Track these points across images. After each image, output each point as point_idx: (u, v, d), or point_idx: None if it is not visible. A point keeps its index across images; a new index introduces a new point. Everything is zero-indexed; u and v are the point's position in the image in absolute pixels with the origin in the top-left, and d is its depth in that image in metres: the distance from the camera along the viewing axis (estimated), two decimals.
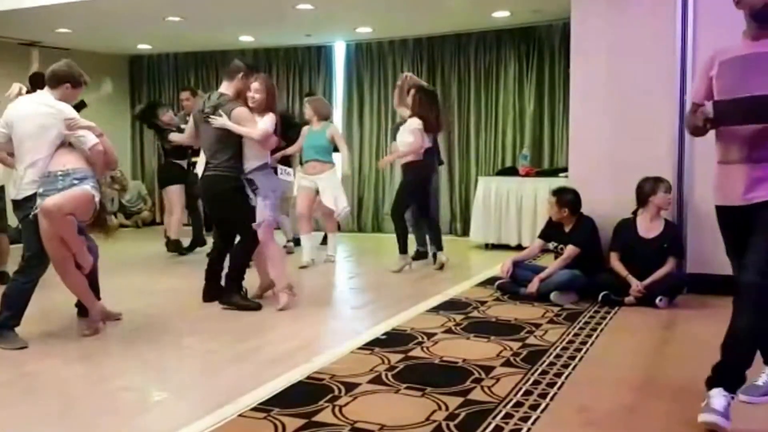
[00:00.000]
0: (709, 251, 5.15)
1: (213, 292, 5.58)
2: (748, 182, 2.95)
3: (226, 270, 5.56)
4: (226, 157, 5.34)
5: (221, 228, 5.69)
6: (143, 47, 10.91)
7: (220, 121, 5.27)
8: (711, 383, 3.04)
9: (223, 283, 5.54)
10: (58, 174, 4.40)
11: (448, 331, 4.70)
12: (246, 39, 10.11)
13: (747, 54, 2.96)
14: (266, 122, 5.31)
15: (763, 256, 2.91)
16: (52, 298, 5.11)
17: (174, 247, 8.06)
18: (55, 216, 4.25)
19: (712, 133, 3.08)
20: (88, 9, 7.77)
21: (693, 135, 3.16)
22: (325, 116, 7.44)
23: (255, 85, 5.41)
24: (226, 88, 5.48)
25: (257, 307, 5.41)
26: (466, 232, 9.11)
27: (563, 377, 3.72)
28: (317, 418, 3.19)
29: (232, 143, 5.34)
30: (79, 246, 4.46)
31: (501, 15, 8.50)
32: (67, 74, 4.62)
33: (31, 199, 4.39)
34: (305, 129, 7.37)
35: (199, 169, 5.62)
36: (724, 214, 3.10)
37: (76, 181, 4.40)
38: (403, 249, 7.00)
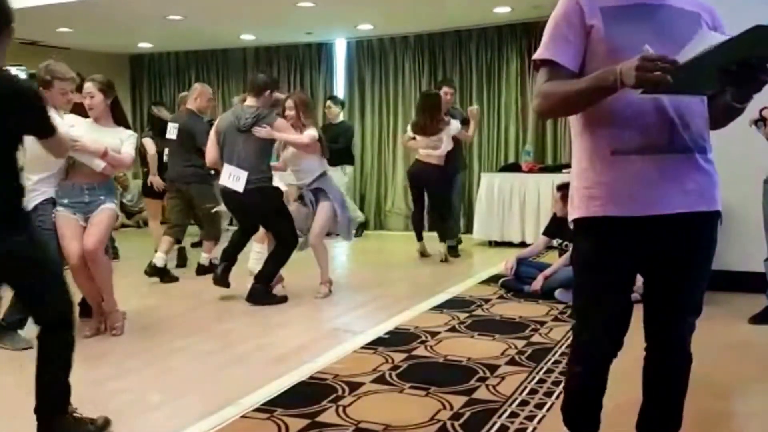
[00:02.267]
0: (721, 246, 5.12)
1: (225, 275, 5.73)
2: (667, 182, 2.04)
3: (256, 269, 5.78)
4: (265, 168, 5.53)
5: (247, 225, 5.87)
6: (144, 46, 10.90)
7: (265, 131, 5.40)
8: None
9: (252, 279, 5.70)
10: (84, 187, 4.56)
11: (452, 329, 4.68)
12: (247, 37, 10.10)
13: (651, 3, 2.07)
14: (311, 132, 5.60)
15: (700, 296, 2.21)
16: None
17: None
18: (97, 256, 4.51)
19: None
20: (88, 8, 7.76)
21: (553, 114, 2.51)
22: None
23: (288, 103, 5.69)
24: (254, 102, 5.55)
25: (284, 299, 5.64)
26: (469, 229, 9.09)
27: None
28: (321, 418, 3.18)
29: (269, 155, 5.62)
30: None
31: (502, 11, 8.47)
32: (42, 80, 4.46)
33: (38, 208, 4.37)
34: None
35: (227, 182, 5.50)
36: (620, 229, 2.05)
37: (102, 197, 4.60)
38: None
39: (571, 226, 2.19)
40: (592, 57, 2.04)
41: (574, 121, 2.14)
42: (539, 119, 9.15)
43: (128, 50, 11.42)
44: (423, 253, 7.49)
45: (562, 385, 2.33)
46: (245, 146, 5.44)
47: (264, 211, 5.59)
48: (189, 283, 6.11)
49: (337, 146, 8.96)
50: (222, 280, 5.67)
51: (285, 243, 5.61)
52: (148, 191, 7.67)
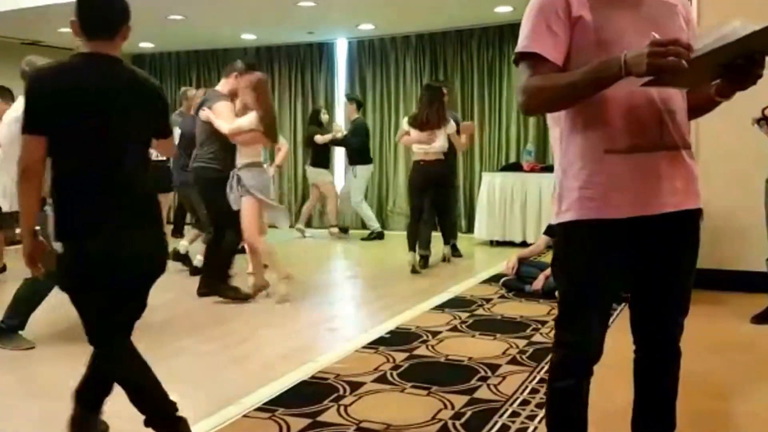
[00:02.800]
0: (713, 246, 5.13)
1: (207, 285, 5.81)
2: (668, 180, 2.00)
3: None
4: (209, 149, 5.62)
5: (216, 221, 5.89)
6: (145, 46, 10.90)
7: (205, 113, 5.57)
8: None
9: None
10: None
11: (454, 329, 4.68)
12: (248, 37, 10.10)
13: None
14: (245, 119, 5.45)
15: (689, 295, 2.14)
16: (57, 297, 5.09)
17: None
18: None
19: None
20: None
21: (543, 109, 2.16)
22: None
23: (241, 84, 5.60)
24: (222, 85, 5.79)
25: (245, 298, 5.61)
26: (470, 228, 9.08)
27: None
28: (322, 417, 3.18)
29: (216, 137, 5.56)
30: None
31: (503, 10, 8.46)
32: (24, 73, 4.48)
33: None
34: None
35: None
36: (614, 231, 1.97)
37: None
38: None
39: (557, 228, 2.08)
40: (579, 50, 1.94)
41: (563, 120, 2.02)
42: (536, 119, 9.13)
43: (129, 50, 11.41)
44: (415, 268, 6.80)
45: (545, 405, 2.23)
46: (199, 128, 5.78)
47: (197, 190, 5.91)
48: (189, 284, 6.10)
49: (351, 145, 9.01)
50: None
51: (218, 230, 5.82)
52: None
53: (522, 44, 2.00)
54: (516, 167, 8.74)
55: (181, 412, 3.44)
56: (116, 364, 2.88)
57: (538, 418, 3.11)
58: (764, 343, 4.34)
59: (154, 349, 4.46)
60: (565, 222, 2.02)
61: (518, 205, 8.28)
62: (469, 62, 9.63)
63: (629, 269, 2.06)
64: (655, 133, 1.94)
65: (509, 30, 9.30)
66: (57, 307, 4.53)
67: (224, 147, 5.54)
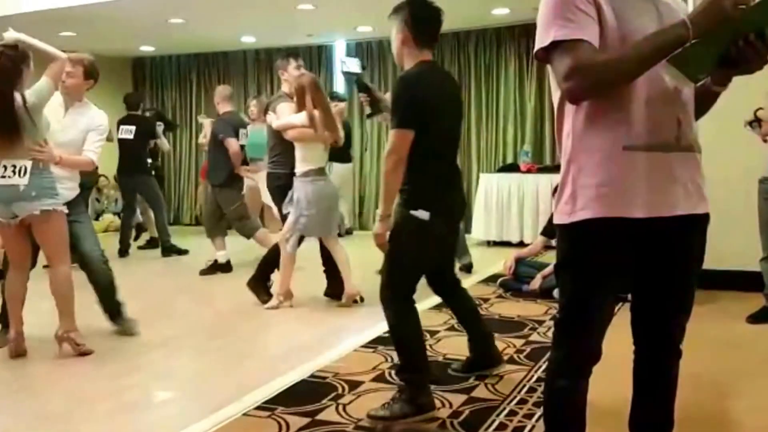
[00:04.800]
0: (717, 245, 5.14)
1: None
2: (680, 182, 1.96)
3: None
4: (273, 153, 5.69)
5: None
6: (146, 49, 10.93)
7: (269, 117, 5.68)
8: None
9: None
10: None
11: (451, 328, 4.70)
12: (248, 40, 10.13)
13: None
14: (294, 117, 5.37)
15: (693, 297, 2.13)
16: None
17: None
18: None
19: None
20: (91, 12, 7.79)
21: (603, 87, 1.88)
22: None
23: (293, 86, 5.62)
24: (284, 86, 5.86)
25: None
26: (467, 229, 9.10)
27: None
28: (321, 416, 3.20)
29: (279, 140, 5.54)
30: None
31: (501, 12, 8.50)
32: None
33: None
34: (250, 128, 7.37)
35: None
36: (626, 231, 1.92)
37: None
38: None
39: (564, 228, 2.01)
40: (602, 43, 1.85)
41: (578, 115, 1.93)
42: (533, 120, 9.18)
43: (130, 54, 11.46)
44: None
45: (544, 404, 2.23)
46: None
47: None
48: (189, 283, 6.13)
49: None
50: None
51: None
52: None
53: (560, 33, 1.83)
54: (513, 168, 8.77)
55: (182, 410, 3.49)
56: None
57: (535, 417, 3.14)
58: (759, 342, 4.37)
59: (157, 347, 4.52)
60: (578, 221, 1.94)
61: (515, 206, 8.31)
62: (467, 64, 9.66)
63: (634, 270, 2.03)
64: (672, 133, 1.91)
65: (506, 32, 9.35)
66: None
67: (287, 149, 5.50)
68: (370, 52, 10.26)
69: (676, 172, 1.93)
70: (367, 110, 4.04)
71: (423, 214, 3.15)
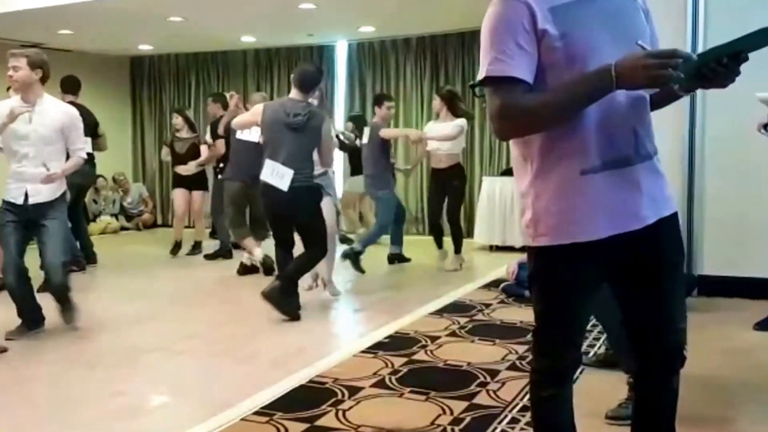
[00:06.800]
0: (720, 252, 5.11)
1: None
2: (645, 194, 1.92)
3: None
4: (310, 167, 5.28)
5: (285, 235, 5.46)
6: (144, 48, 10.88)
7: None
8: None
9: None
10: None
11: (453, 334, 4.65)
12: (248, 39, 10.09)
13: None
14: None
15: (683, 300, 2.12)
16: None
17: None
18: None
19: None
20: (90, 10, 7.73)
21: (525, 132, 1.90)
22: None
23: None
24: (301, 98, 5.43)
25: (297, 316, 5.20)
26: (470, 233, 9.06)
27: None
28: (320, 422, 3.16)
29: (311, 153, 5.32)
30: None
31: None
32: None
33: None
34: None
35: (270, 178, 5.19)
36: (595, 251, 1.90)
37: None
38: (459, 249, 7.19)
39: (529, 248, 2.01)
40: (550, 68, 1.82)
41: (533, 141, 1.90)
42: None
43: (129, 52, 11.41)
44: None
45: (531, 414, 2.17)
46: (294, 144, 5.21)
47: (307, 210, 5.29)
48: (188, 286, 6.08)
49: None
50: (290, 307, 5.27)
51: (320, 245, 5.36)
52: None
53: (493, 67, 1.82)
54: None
55: (178, 415, 3.45)
56: None
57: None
58: (767, 350, 4.32)
59: (154, 351, 4.47)
60: (541, 246, 1.95)
61: (518, 210, 8.22)
62: (471, 65, 9.59)
63: (612, 281, 2.01)
64: (629, 147, 1.87)
65: None
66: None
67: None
68: (372, 52, 10.21)
69: (642, 184, 1.89)
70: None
71: None
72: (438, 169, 7.16)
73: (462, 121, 6.96)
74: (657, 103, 2.02)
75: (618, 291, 2.04)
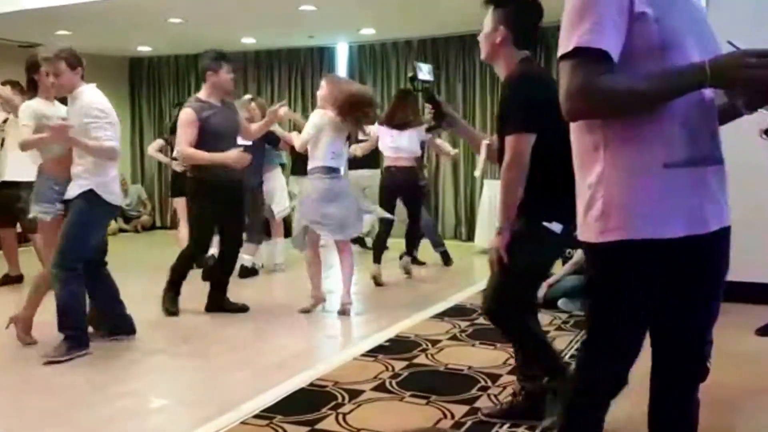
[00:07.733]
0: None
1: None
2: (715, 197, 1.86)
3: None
4: None
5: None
6: (143, 49, 10.85)
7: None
8: None
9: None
10: None
11: (453, 337, 4.64)
12: (248, 41, 10.06)
13: None
14: None
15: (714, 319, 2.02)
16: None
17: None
18: None
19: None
20: (88, 11, 7.71)
21: (601, 114, 1.80)
22: None
23: None
24: None
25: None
26: (471, 236, 9.04)
27: None
28: (320, 425, 3.15)
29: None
30: None
31: None
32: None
33: None
34: None
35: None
36: (666, 251, 1.80)
37: None
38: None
39: (593, 246, 1.85)
40: (641, 53, 1.73)
41: (607, 128, 1.80)
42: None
43: (128, 53, 11.38)
44: (377, 280, 6.68)
45: (561, 420, 2.10)
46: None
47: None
48: (187, 289, 6.04)
49: None
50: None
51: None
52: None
53: (586, 37, 1.70)
54: None
55: (178, 418, 3.43)
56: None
57: (538, 430, 3.07)
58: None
59: (155, 354, 4.45)
60: (611, 241, 1.80)
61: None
62: (472, 68, 9.57)
63: (666, 290, 1.89)
64: (709, 145, 1.81)
65: None
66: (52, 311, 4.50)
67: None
68: (373, 55, 10.19)
69: (713, 187, 1.83)
70: (430, 123, 3.76)
71: (556, 227, 3.00)
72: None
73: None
74: (719, 121, 1.94)
75: (664, 298, 1.93)
